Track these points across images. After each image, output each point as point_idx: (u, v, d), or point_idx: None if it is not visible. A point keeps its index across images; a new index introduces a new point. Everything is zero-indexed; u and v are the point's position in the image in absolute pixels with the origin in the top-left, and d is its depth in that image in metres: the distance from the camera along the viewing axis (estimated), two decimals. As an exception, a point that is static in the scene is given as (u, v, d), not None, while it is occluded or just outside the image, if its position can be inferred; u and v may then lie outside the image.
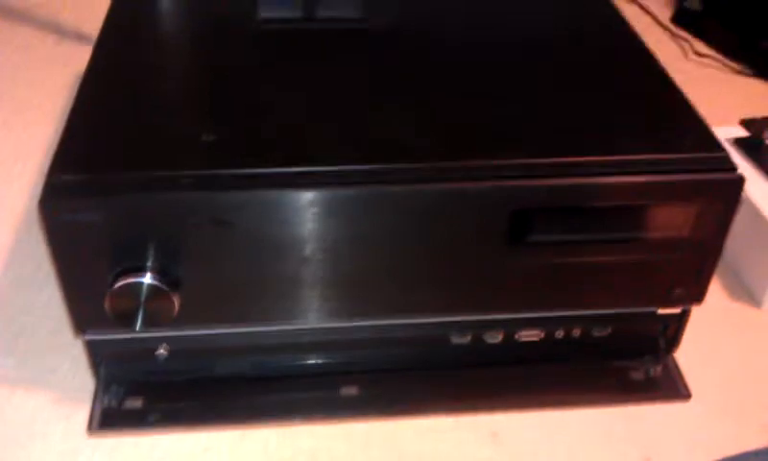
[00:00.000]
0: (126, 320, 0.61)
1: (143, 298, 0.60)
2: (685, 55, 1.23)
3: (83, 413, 0.70)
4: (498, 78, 0.71)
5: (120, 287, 0.59)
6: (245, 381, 0.72)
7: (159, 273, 0.60)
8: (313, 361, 0.73)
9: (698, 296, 0.68)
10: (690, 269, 0.67)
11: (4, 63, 1.14)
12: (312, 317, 0.65)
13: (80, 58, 0.69)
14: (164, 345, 0.69)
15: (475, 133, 0.64)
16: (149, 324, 0.61)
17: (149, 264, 0.59)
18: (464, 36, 0.77)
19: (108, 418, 0.69)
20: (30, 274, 0.81)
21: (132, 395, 0.70)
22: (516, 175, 0.60)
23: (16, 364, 0.74)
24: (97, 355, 0.69)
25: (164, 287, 0.60)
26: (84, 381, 0.71)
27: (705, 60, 1.22)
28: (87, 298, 0.61)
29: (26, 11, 1.25)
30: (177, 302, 0.61)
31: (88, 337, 0.67)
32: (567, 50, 0.76)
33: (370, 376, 0.73)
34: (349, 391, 0.72)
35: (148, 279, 0.59)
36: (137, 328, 0.61)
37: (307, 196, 0.58)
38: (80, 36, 1.14)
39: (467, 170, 0.60)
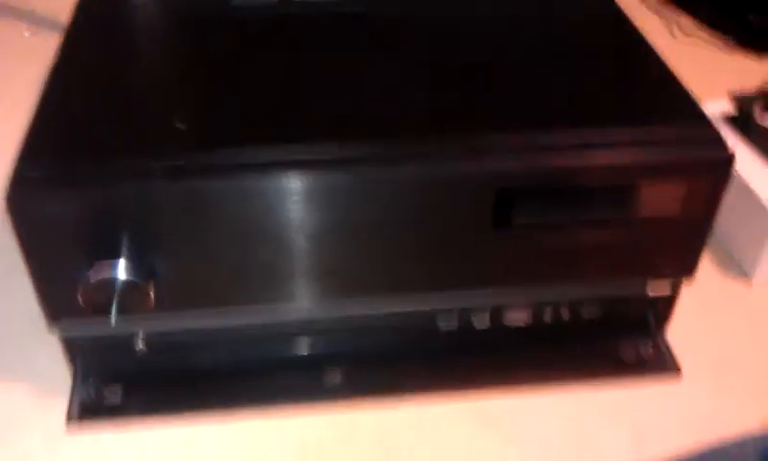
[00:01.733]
0: (101, 313, 0.59)
1: (118, 290, 0.58)
2: (672, 31, 1.21)
3: (61, 406, 0.68)
4: (479, 57, 0.69)
5: (93, 281, 0.57)
6: (226, 370, 0.70)
7: (134, 265, 0.58)
8: (296, 349, 0.71)
9: (688, 273, 0.67)
10: (680, 247, 0.65)
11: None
12: (294, 305, 0.64)
13: (56, 48, 0.68)
14: (142, 335, 0.67)
15: (456, 113, 0.62)
16: (125, 316, 0.59)
17: (122, 256, 0.58)
18: (442, 14, 0.75)
19: (88, 411, 0.68)
20: (7, 265, 0.79)
21: (111, 387, 0.69)
22: (498, 155, 0.58)
23: (-7, 357, 0.72)
24: (73, 348, 0.67)
25: (139, 280, 0.58)
26: (63, 373, 0.70)
27: (691, 37, 1.20)
28: (60, 292, 0.59)
29: (0, 2, 1.22)
30: (152, 294, 0.59)
31: (63, 331, 0.65)
32: (550, 27, 0.74)
33: (355, 362, 0.71)
34: (334, 378, 0.71)
35: (122, 271, 0.57)
36: (113, 321, 0.59)
37: (285, 181, 0.57)
38: (56, 27, 1.12)
39: (448, 151, 0.58)
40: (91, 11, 0.74)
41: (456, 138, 0.59)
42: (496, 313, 0.70)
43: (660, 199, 0.61)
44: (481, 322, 0.70)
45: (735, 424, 0.68)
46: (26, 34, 1.17)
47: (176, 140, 0.59)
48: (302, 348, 0.71)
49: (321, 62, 0.68)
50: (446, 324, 0.70)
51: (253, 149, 0.57)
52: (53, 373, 0.71)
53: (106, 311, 0.59)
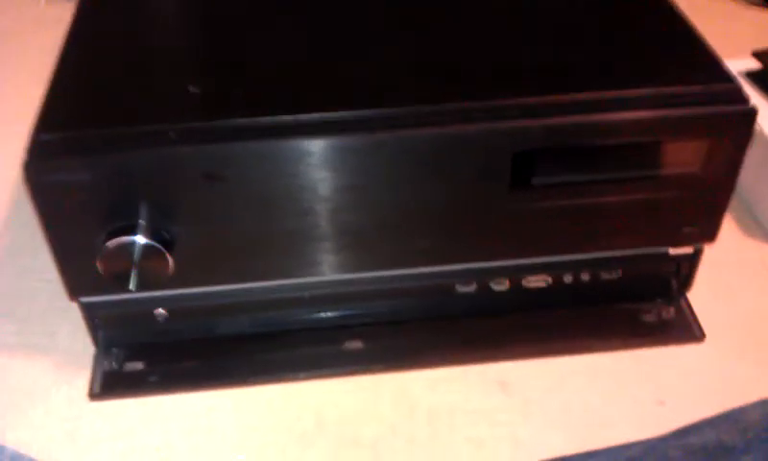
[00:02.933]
0: (120, 281, 0.59)
1: (136, 258, 0.58)
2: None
3: (84, 377, 0.69)
4: (494, 15, 0.69)
5: (112, 248, 0.57)
6: (246, 339, 0.71)
7: (152, 231, 0.58)
8: (315, 316, 0.71)
9: (710, 234, 0.66)
10: (702, 206, 0.65)
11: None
12: (312, 271, 0.64)
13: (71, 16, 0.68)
14: (163, 305, 0.67)
15: (472, 73, 0.61)
16: (143, 284, 0.59)
17: (141, 223, 0.57)
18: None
19: (110, 381, 0.68)
20: (27, 238, 0.80)
21: (133, 357, 0.70)
22: (516, 115, 0.57)
23: (16, 330, 0.73)
24: (95, 319, 0.68)
25: (157, 246, 0.58)
26: (85, 345, 0.70)
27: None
28: (79, 261, 0.59)
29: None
30: (171, 261, 0.59)
31: (84, 301, 0.65)
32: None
33: (373, 329, 0.71)
34: (354, 345, 0.71)
35: (140, 238, 0.57)
36: (132, 289, 0.59)
37: (301, 145, 0.56)
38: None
39: (465, 112, 0.58)
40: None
41: (474, 98, 0.58)
42: (515, 276, 0.70)
43: (681, 156, 0.61)
44: (499, 284, 0.70)
45: (759, 389, 0.67)
46: (42, 1, 1.17)
47: (191, 104, 0.58)
48: (321, 314, 0.71)
49: (335, 23, 0.67)
50: (464, 287, 0.70)
51: (268, 112, 0.57)
52: (75, 344, 0.71)
53: (125, 280, 0.59)
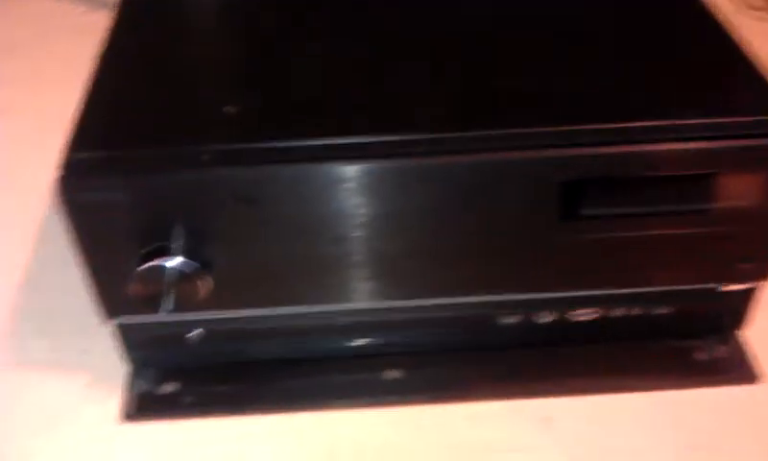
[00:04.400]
0: (152, 304, 0.58)
1: (169, 281, 0.57)
2: (739, 8, 1.15)
3: (116, 397, 0.68)
4: (539, 38, 0.66)
5: (144, 270, 0.56)
6: (282, 364, 0.69)
7: (185, 254, 0.56)
8: (353, 343, 0.69)
9: (766, 271, 0.63)
10: (758, 241, 0.61)
11: (32, 36, 1.13)
12: (349, 298, 0.62)
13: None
14: (197, 328, 0.66)
15: (519, 99, 0.59)
16: (176, 307, 0.58)
17: (173, 245, 0.56)
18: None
19: (142, 403, 0.68)
20: (61, 252, 0.79)
21: (167, 379, 0.69)
22: (564, 143, 0.55)
23: (49, 347, 0.72)
24: (128, 340, 0.67)
25: (191, 269, 0.57)
26: (117, 364, 0.69)
27: (759, 12, 1.14)
28: (112, 282, 0.58)
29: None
30: (204, 284, 0.58)
31: (118, 322, 0.64)
32: (613, 6, 0.70)
33: (413, 358, 0.69)
34: (393, 374, 0.69)
35: (173, 261, 0.56)
36: (164, 313, 0.58)
37: (339, 170, 0.55)
38: (109, 5, 1.12)
39: (511, 139, 0.55)
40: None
41: (519, 124, 0.56)
42: (561, 308, 0.67)
43: (737, 188, 0.58)
44: (545, 316, 0.67)
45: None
46: (80, 10, 1.17)
47: (226, 125, 0.57)
48: (360, 341, 0.69)
49: (374, 45, 0.66)
50: (507, 318, 0.68)
51: (304, 135, 0.56)
52: (108, 365, 0.70)
53: (157, 302, 0.58)
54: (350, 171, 0.54)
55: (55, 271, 0.79)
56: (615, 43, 0.66)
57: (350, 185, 0.55)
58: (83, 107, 0.58)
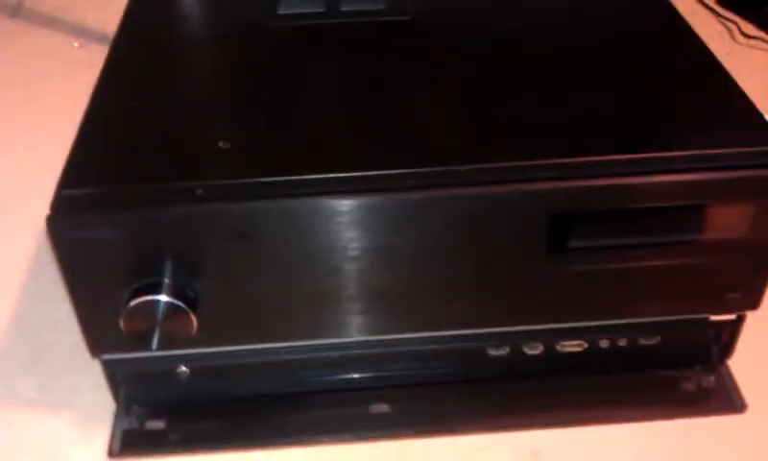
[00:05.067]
0: (142, 340, 0.57)
1: (160, 317, 0.56)
2: (733, 37, 1.17)
3: (104, 435, 0.67)
4: (532, 71, 0.67)
5: (135, 306, 0.56)
6: (270, 399, 0.69)
7: (176, 290, 0.56)
8: (340, 377, 0.69)
9: (754, 301, 0.64)
10: (745, 272, 0.62)
11: (29, 69, 1.13)
12: (338, 332, 0.62)
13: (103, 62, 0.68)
14: (185, 364, 0.66)
15: (508, 132, 0.60)
16: (166, 343, 0.58)
17: (165, 281, 0.56)
18: (493, 28, 0.73)
19: (130, 440, 0.67)
20: (50, 287, 0.79)
21: (154, 416, 0.68)
22: (554, 176, 0.56)
23: (36, 384, 0.71)
24: (116, 376, 0.66)
25: (181, 305, 0.56)
26: (105, 401, 0.68)
27: (753, 42, 1.16)
28: (101, 318, 0.58)
29: (50, 15, 1.23)
30: (195, 320, 0.57)
31: (106, 358, 0.64)
32: (608, 37, 0.71)
33: (401, 391, 0.69)
34: (380, 408, 0.68)
35: (164, 297, 0.56)
36: (154, 349, 0.58)
37: (331, 204, 0.55)
38: (104, 39, 1.13)
39: (500, 172, 0.56)
40: (137, 24, 0.74)
41: (509, 158, 0.57)
42: (549, 340, 0.67)
43: (725, 219, 0.58)
44: (533, 348, 0.68)
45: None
46: (75, 44, 1.17)
47: (219, 161, 0.57)
48: (347, 375, 0.69)
49: (365, 76, 0.66)
50: (496, 350, 0.68)
51: (297, 170, 0.56)
52: (96, 399, 0.69)
53: (147, 338, 0.57)
54: (341, 205, 0.55)
55: (43, 306, 0.78)
56: (605, 76, 0.66)
57: (341, 219, 0.55)
58: (75, 143, 0.58)
